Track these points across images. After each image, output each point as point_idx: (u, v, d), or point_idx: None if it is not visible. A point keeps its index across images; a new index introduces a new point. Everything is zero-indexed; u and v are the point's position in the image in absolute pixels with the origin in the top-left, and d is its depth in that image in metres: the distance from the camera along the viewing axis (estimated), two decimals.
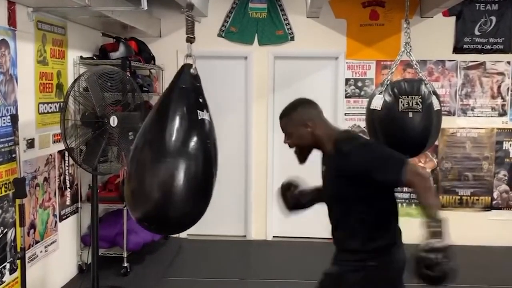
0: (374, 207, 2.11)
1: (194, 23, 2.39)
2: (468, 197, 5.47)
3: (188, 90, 2.31)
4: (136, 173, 2.24)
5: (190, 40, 2.41)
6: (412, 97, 3.68)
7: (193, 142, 2.23)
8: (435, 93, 3.78)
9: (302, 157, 2.26)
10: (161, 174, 2.16)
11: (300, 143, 2.24)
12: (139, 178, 2.22)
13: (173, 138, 2.20)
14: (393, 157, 2.02)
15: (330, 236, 2.28)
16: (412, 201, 5.30)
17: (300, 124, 2.21)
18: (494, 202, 5.46)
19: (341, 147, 2.11)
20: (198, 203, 2.31)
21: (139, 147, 2.25)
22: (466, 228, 5.34)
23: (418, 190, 1.93)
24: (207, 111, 2.36)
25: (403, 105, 3.66)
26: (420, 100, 3.66)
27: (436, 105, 3.72)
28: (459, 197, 5.46)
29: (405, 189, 5.26)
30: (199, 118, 2.29)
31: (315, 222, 5.66)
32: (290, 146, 2.27)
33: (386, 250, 2.13)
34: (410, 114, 3.66)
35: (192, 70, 2.35)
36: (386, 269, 2.13)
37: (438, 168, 5.46)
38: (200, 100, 2.34)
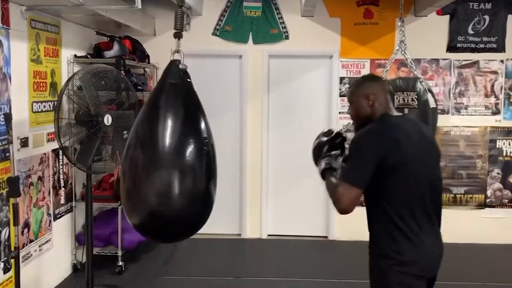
0: None
1: (184, 17, 2.31)
2: (462, 195, 5.49)
3: (178, 86, 2.20)
4: (130, 172, 2.15)
5: (179, 35, 2.31)
6: (407, 94, 3.66)
7: (189, 149, 2.10)
8: (430, 90, 3.76)
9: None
10: (156, 183, 2.07)
11: (357, 113, 2.33)
12: (134, 180, 2.13)
13: (167, 144, 2.07)
14: (351, 167, 2.14)
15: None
16: None
17: (362, 96, 2.29)
18: (487, 200, 5.49)
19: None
20: (196, 214, 2.29)
21: (132, 145, 2.15)
22: (460, 226, 5.37)
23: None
24: (202, 111, 2.23)
25: (399, 101, 3.64)
26: (416, 97, 3.64)
27: (431, 103, 3.70)
28: (453, 195, 5.48)
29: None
30: (194, 119, 2.17)
31: (310, 221, 5.70)
32: (351, 117, 2.39)
33: None
34: (406, 111, 3.64)
35: (181, 66, 2.22)
36: None
37: None
38: (193, 98, 2.23)
